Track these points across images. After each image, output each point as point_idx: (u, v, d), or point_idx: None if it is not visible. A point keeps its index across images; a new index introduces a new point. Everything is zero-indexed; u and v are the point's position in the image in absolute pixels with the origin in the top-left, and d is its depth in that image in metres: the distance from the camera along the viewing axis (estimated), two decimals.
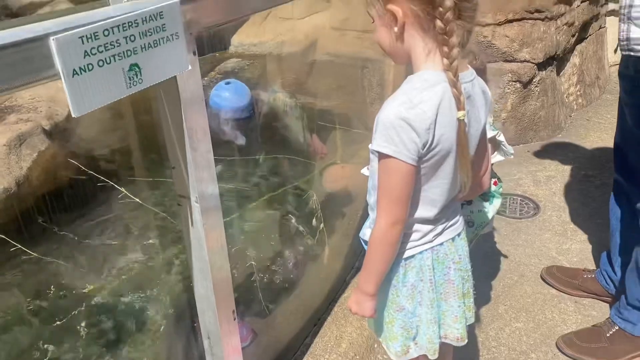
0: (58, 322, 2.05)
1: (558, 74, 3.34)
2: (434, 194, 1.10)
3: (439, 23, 0.96)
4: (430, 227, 1.15)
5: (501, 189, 1.82)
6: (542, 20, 2.93)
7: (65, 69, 0.75)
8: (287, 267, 2.21)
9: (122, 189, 2.80)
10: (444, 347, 1.29)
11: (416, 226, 1.14)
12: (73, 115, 0.78)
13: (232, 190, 2.81)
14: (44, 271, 2.48)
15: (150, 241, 2.62)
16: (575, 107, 3.59)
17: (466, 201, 1.74)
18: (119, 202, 2.82)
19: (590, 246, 2.34)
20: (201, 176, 1.04)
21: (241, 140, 3.38)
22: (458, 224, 1.21)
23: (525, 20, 2.88)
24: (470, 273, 1.26)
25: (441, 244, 1.18)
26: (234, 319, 1.25)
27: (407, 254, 1.16)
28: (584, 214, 2.56)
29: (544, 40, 2.97)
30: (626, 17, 1.48)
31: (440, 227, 1.17)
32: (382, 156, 1.03)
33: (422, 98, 0.99)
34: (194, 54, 0.96)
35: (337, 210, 2.58)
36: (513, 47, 2.90)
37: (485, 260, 2.28)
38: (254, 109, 3.64)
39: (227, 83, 3.67)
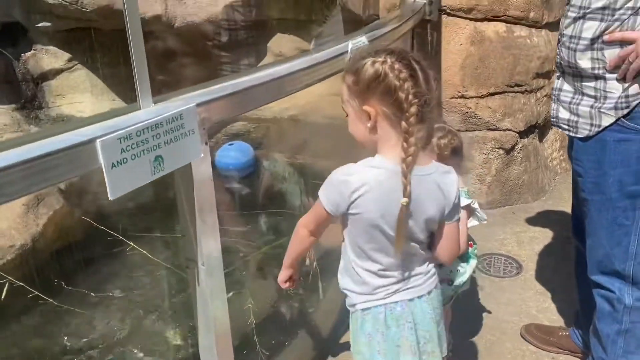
0: None
1: (541, 140, 3.58)
2: (372, 253, 1.32)
3: (404, 125, 1.19)
4: (380, 281, 1.34)
5: (476, 251, 2.01)
6: (522, 93, 3.19)
7: (106, 163, 0.96)
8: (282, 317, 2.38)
9: (130, 243, 3.00)
10: None
11: (366, 277, 1.35)
12: (110, 198, 0.99)
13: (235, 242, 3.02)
14: (58, 317, 2.65)
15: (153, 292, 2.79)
16: (559, 171, 3.81)
17: None
18: (127, 255, 3.01)
19: (568, 305, 2.50)
20: (208, 244, 1.23)
21: (245, 191, 3.65)
22: (418, 288, 1.38)
23: (507, 93, 3.14)
24: (434, 334, 1.40)
25: (396, 302, 1.35)
26: None
27: (363, 305, 1.36)
28: (564, 273, 2.72)
29: (525, 111, 3.22)
30: (556, 98, 1.71)
31: (393, 287, 1.35)
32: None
33: (357, 172, 1.25)
34: (206, 143, 1.17)
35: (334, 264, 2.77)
36: (495, 117, 3.14)
37: (469, 318, 2.43)
38: (257, 165, 3.90)
39: (231, 144, 3.95)
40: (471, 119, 3.16)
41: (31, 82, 4.60)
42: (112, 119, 1.02)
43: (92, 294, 2.82)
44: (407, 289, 1.36)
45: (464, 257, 1.95)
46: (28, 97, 4.69)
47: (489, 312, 2.49)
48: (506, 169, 3.28)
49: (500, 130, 3.18)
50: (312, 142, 4.40)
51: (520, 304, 2.53)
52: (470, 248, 1.98)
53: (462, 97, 3.11)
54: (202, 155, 1.15)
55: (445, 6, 2.98)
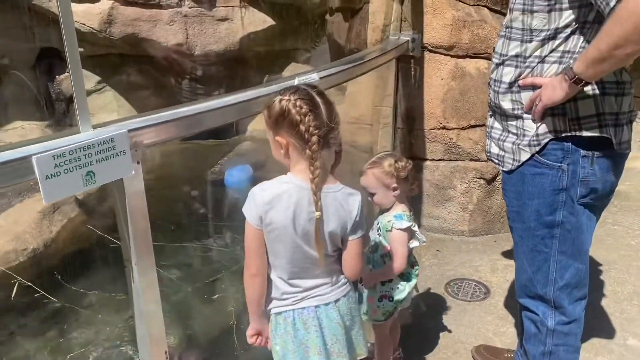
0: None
1: None
2: (282, 261, 1.52)
3: (308, 152, 1.41)
4: (289, 288, 1.54)
5: (417, 272, 2.17)
6: None
7: (41, 176, 1.21)
8: None
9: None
10: None
11: (278, 284, 1.55)
12: (44, 202, 1.24)
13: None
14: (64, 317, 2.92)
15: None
16: None
17: (387, 280, 2.10)
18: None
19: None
20: (139, 246, 1.46)
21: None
22: (326, 295, 1.57)
23: None
24: (341, 337, 1.58)
25: (303, 308, 1.55)
26: (166, 359, 1.62)
27: (276, 310, 1.57)
28: None
29: None
30: (489, 134, 1.88)
31: (300, 295, 1.55)
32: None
33: (270, 187, 1.46)
34: (138, 162, 1.41)
35: None
36: (477, 148, 3.30)
37: (428, 336, 2.58)
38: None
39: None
40: (453, 149, 3.32)
41: (63, 102, 5.05)
42: (54, 140, 1.27)
43: (95, 292, 3.09)
44: (314, 297, 1.56)
45: (404, 276, 2.12)
46: (60, 115, 5.12)
47: (449, 331, 2.62)
48: (488, 198, 3.42)
49: (481, 161, 3.32)
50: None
51: (480, 326, 2.65)
52: (412, 269, 2.14)
53: (443, 128, 3.28)
54: (132, 172, 1.39)
55: (427, 44, 3.18)
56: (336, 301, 1.59)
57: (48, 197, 1.24)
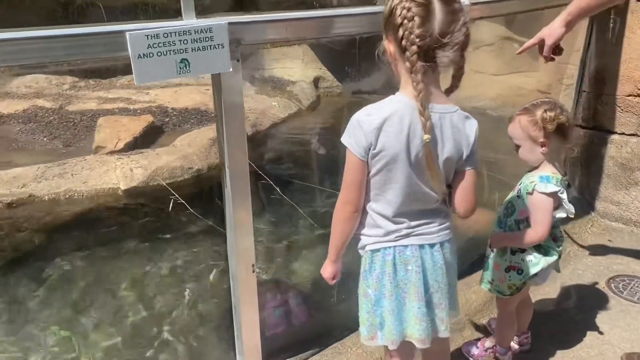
0: None
1: None
2: (390, 194, 1.32)
3: (407, 64, 1.21)
4: (392, 226, 1.35)
5: (560, 248, 1.82)
6: None
7: (133, 53, 1.22)
8: None
9: (277, 188, 3.35)
10: (413, 348, 1.44)
11: (379, 221, 1.36)
12: (135, 82, 1.25)
13: None
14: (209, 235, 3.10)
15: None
16: None
17: (519, 249, 1.80)
18: (271, 199, 3.37)
19: None
20: (232, 150, 1.42)
21: None
22: (432, 235, 1.38)
23: None
24: (444, 286, 1.39)
25: (405, 246, 1.36)
26: (253, 272, 1.59)
27: (373, 247, 1.39)
28: None
29: None
30: None
31: (404, 231, 1.36)
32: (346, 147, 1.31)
33: (377, 109, 1.26)
34: (238, 60, 1.36)
35: None
36: None
37: (570, 328, 2.19)
38: None
39: None
40: None
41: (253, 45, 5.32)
42: (156, 22, 1.27)
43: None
44: (419, 234, 1.38)
45: (541, 249, 1.79)
46: (247, 57, 5.44)
47: (599, 330, 2.20)
48: None
49: None
50: (487, 139, 4.22)
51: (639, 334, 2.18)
52: (553, 243, 1.80)
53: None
54: (230, 69, 1.34)
55: None
56: (442, 244, 1.40)
57: (140, 78, 1.24)
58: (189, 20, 1.31)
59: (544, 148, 1.72)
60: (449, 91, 1.32)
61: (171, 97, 4.69)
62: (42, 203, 3.20)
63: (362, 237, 1.43)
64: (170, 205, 3.10)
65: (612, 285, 2.48)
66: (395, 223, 1.37)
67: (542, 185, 1.70)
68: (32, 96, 4.59)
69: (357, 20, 1.54)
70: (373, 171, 1.32)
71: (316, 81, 4.81)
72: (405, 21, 1.18)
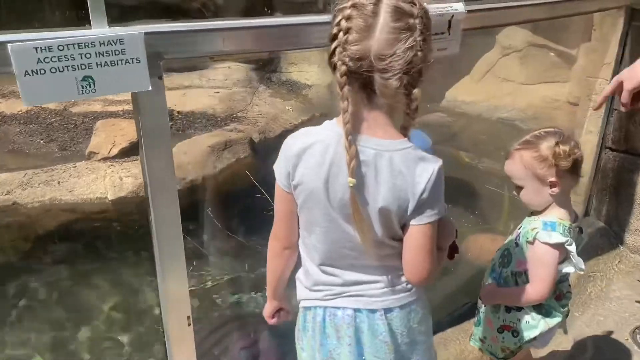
0: None
1: None
2: (314, 238, 1.10)
3: (337, 87, 0.96)
4: (323, 277, 1.12)
5: (566, 308, 1.51)
6: None
7: (18, 69, 0.99)
8: None
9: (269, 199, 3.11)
10: None
11: (307, 265, 1.16)
12: (24, 104, 1.02)
13: None
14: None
15: None
16: None
17: (515, 306, 1.51)
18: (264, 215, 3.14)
19: None
20: (156, 184, 1.18)
21: None
22: (373, 299, 1.11)
23: None
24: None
25: (337, 308, 1.12)
26: (189, 325, 1.35)
27: (305, 303, 1.17)
28: None
29: None
30: None
31: (336, 289, 1.12)
32: None
33: (305, 134, 1.06)
34: (160, 78, 1.12)
35: None
36: None
37: None
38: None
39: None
40: None
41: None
42: (50, 32, 1.04)
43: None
44: (355, 295, 1.11)
45: (542, 308, 1.49)
46: (266, 60, 5.21)
47: None
48: None
49: None
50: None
51: None
52: (556, 302, 1.50)
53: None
54: (150, 88, 1.10)
55: None
56: (388, 310, 1.12)
57: (28, 98, 1.02)
58: (99, 30, 1.07)
59: (554, 189, 1.42)
60: (403, 130, 1.04)
61: (178, 100, 4.50)
62: (26, 211, 3.04)
63: (297, 283, 1.21)
64: None
65: (638, 337, 2.14)
66: (326, 274, 1.13)
67: (545, 234, 1.41)
68: None
69: (317, 31, 1.28)
70: (298, 206, 1.10)
71: (331, 87, 4.56)
72: (341, 34, 0.94)
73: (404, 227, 1.05)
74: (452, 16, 1.45)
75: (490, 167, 3.57)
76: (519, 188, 1.47)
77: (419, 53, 0.94)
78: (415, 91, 0.97)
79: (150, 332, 2.36)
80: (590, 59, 2.51)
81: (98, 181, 3.18)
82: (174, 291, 1.29)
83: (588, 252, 2.49)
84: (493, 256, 1.59)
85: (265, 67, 5.28)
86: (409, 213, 1.03)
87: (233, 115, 4.40)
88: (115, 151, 3.53)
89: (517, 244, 1.49)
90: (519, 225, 1.52)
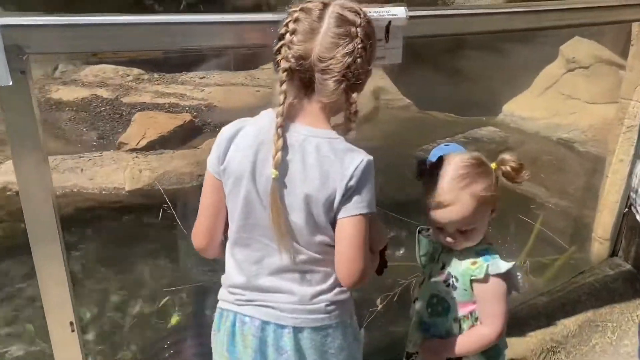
0: None
1: None
2: (233, 228, 1.08)
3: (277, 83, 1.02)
4: (238, 278, 1.08)
5: (505, 351, 1.31)
6: None
7: None
8: None
9: None
10: None
11: (227, 261, 1.12)
12: None
13: None
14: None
15: None
16: None
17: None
18: None
19: None
20: (25, 184, 1.14)
21: None
22: (283, 313, 1.04)
23: None
24: None
25: (246, 316, 1.06)
26: (72, 331, 1.30)
27: (220, 304, 1.14)
28: None
29: None
30: None
31: (247, 294, 1.07)
32: None
33: (243, 120, 1.08)
34: (22, 72, 1.07)
35: None
36: None
37: None
38: None
39: (447, 145, 3.53)
40: None
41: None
42: None
43: None
44: (264, 305, 1.05)
45: (490, 353, 1.30)
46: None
47: None
48: None
49: None
50: (560, 176, 3.53)
51: None
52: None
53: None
54: (10, 83, 1.05)
55: None
56: (297, 329, 1.04)
57: None
58: None
59: (494, 213, 1.27)
60: (344, 132, 1.05)
61: (223, 96, 4.55)
62: None
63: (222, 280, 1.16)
64: (160, 214, 2.92)
65: None
66: (241, 271, 1.08)
67: (493, 265, 1.24)
68: (95, 85, 4.70)
69: (216, 30, 1.17)
70: (226, 196, 1.08)
71: (376, 92, 4.39)
72: (288, 34, 1.00)
73: (334, 224, 1.01)
74: (389, 22, 1.29)
75: (527, 191, 3.24)
76: (463, 233, 1.27)
77: (358, 60, 0.99)
78: (354, 95, 1.02)
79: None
80: (626, 78, 2.20)
81: (119, 171, 3.26)
82: (54, 295, 1.25)
83: (602, 298, 2.18)
84: (410, 310, 1.40)
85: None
86: (336, 203, 1.00)
87: None
88: (143, 143, 3.62)
89: (449, 286, 1.30)
90: (438, 265, 1.33)
